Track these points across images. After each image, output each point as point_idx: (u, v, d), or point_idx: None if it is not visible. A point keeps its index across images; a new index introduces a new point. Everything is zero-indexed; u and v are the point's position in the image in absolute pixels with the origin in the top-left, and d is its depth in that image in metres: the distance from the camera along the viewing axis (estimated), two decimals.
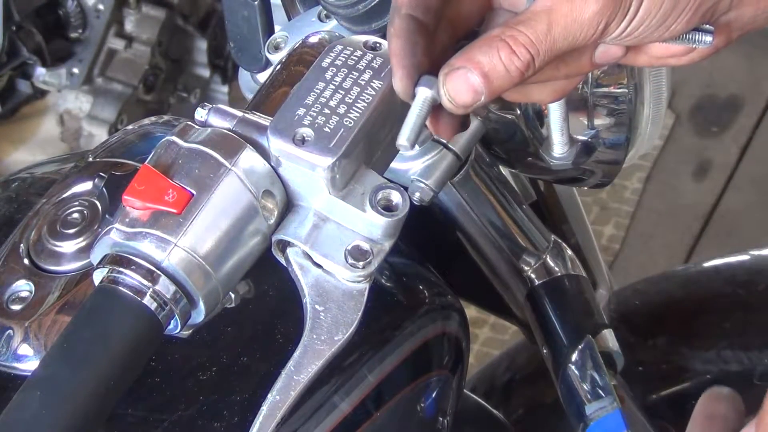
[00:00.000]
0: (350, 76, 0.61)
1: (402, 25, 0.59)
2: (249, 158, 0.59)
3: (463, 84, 0.57)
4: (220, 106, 0.62)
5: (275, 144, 0.59)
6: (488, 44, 0.57)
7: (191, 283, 0.57)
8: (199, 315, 0.59)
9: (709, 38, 0.59)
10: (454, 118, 0.60)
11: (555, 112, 0.71)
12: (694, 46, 0.59)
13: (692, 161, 2.80)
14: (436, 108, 0.59)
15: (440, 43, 0.61)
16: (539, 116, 0.80)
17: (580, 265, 0.99)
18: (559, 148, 0.73)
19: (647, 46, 0.61)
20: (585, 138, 0.82)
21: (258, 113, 0.62)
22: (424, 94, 0.58)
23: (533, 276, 0.96)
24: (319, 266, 0.60)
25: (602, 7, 0.55)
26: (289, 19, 0.82)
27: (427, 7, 0.60)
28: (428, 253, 0.93)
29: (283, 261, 0.62)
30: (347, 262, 0.60)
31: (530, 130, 0.84)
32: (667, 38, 0.59)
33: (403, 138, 0.58)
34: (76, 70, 2.57)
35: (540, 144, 0.83)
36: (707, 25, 0.59)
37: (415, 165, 0.79)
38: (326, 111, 0.60)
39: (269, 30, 0.78)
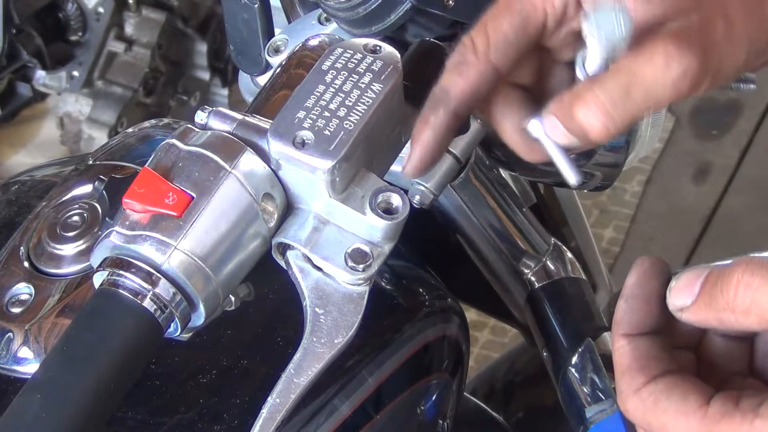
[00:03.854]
0: (350, 79, 0.61)
1: (442, 120, 0.60)
2: (249, 161, 0.59)
3: (555, 129, 0.58)
4: (220, 109, 0.62)
5: (275, 147, 0.59)
6: (570, 101, 0.57)
7: (191, 286, 0.57)
8: (199, 318, 0.59)
9: (752, 85, 0.63)
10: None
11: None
12: (739, 91, 0.63)
13: (692, 164, 2.81)
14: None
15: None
16: None
17: (580, 268, 0.99)
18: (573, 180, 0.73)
19: None
20: None
21: (258, 116, 0.62)
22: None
23: (533, 279, 0.96)
24: (319, 269, 0.60)
25: (686, 69, 0.55)
26: (289, 22, 0.82)
27: (477, 102, 0.61)
28: (428, 256, 0.93)
29: (283, 264, 0.62)
30: (347, 265, 0.59)
31: None
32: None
33: (571, 178, 0.60)
34: (76, 73, 2.57)
35: None
36: (749, 74, 0.63)
37: None
38: (326, 114, 0.60)
39: (269, 33, 0.78)
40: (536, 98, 0.63)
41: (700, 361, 0.59)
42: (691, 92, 0.56)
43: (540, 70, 0.64)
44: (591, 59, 0.59)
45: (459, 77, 0.60)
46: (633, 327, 0.57)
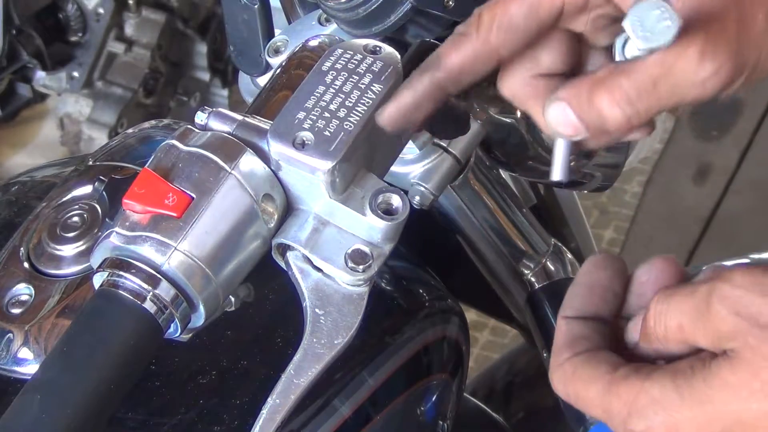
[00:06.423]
0: (350, 79, 0.61)
1: (425, 87, 0.58)
2: (249, 162, 0.59)
3: (562, 117, 0.55)
4: (220, 109, 0.62)
5: (275, 148, 0.59)
6: (591, 87, 0.55)
7: (191, 287, 0.57)
8: (199, 319, 0.59)
9: None
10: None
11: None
12: None
13: (692, 165, 2.81)
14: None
15: None
16: None
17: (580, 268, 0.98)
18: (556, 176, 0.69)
19: None
20: None
21: (258, 117, 0.62)
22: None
23: (533, 279, 0.96)
24: (319, 270, 0.60)
25: (719, 69, 0.53)
26: (289, 22, 0.82)
27: (468, 79, 0.59)
28: (428, 257, 0.93)
29: (283, 265, 0.62)
30: (347, 265, 0.60)
31: (530, 134, 0.84)
32: None
33: (556, 174, 0.59)
34: (76, 74, 2.57)
35: (540, 147, 0.83)
36: None
37: (415, 168, 0.79)
38: (326, 115, 0.60)
39: (269, 34, 0.78)
40: None
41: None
42: (720, 92, 0.55)
43: (576, 56, 0.61)
44: (630, 49, 0.55)
45: (454, 50, 0.58)
46: (573, 311, 0.60)
